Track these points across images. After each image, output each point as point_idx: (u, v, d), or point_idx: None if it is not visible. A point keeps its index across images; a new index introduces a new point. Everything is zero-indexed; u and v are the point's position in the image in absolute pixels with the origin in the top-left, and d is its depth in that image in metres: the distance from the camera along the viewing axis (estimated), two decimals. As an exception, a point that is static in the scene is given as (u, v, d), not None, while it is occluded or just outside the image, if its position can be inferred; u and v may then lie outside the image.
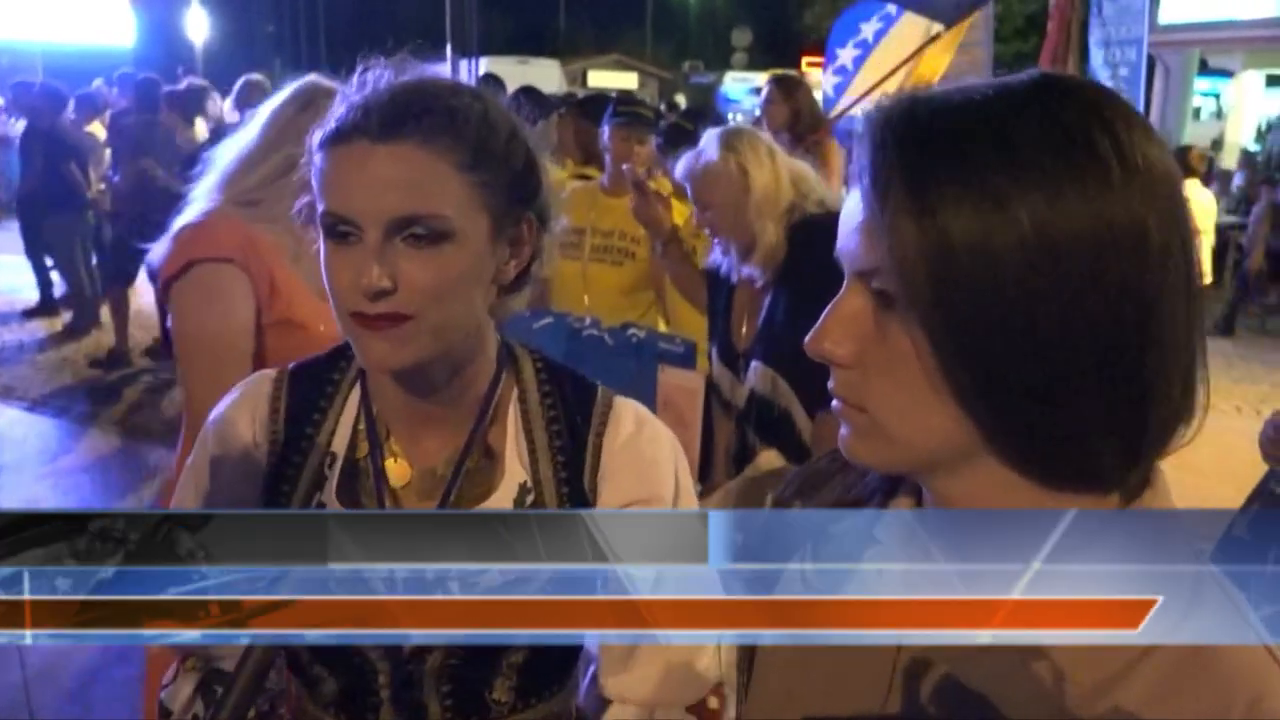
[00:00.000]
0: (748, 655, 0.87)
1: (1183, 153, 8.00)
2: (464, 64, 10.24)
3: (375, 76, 1.03)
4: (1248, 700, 0.61)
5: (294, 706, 1.21)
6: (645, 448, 1.15)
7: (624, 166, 3.21)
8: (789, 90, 4.39)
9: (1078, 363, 0.61)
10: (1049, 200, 0.60)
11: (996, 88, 0.65)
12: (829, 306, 0.69)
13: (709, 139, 2.51)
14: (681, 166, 2.54)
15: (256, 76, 6.17)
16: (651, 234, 3.05)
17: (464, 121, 1.00)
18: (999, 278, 0.61)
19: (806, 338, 0.69)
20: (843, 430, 0.71)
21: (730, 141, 2.46)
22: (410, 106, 0.99)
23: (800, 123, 4.26)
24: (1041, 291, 0.60)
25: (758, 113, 4.99)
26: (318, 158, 1.01)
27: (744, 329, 2.60)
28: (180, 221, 1.84)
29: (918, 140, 0.64)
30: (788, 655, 0.81)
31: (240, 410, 1.16)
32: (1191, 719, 0.61)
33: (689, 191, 2.53)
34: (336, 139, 0.99)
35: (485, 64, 14.14)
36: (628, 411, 1.17)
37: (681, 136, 3.38)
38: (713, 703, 1.19)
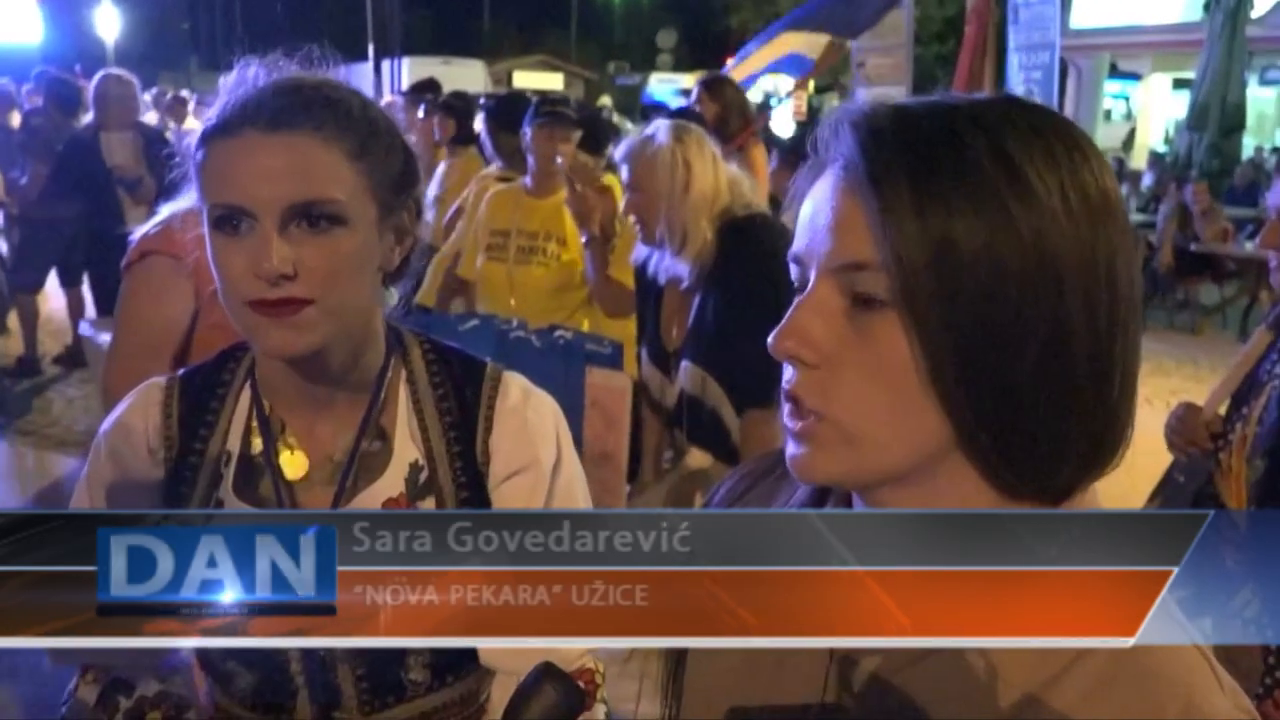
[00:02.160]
0: (677, 656, 0.86)
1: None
2: (387, 64, 10.14)
3: (253, 75, 1.05)
4: (1182, 701, 0.62)
5: (213, 705, 1.20)
6: (530, 415, 1.18)
7: (557, 160, 3.20)
8: (716, 91, 4.44)
9: (1064, 367, 0.62)
10: (1044, 214, 0.61)
11: (974, 102, 0.66)
12: (795, 305, 0.66)
13: (660, 126, 2.52)
14: (624, 148, 2.53)
15: (116, 71, 5.81)
16: (581, 228, 3.06)
17: (348, 113, 1.04)
18: (1000, 281, 0.61)
19: (770, 337, 0.66)
20: (796, 449, 0.68)
21: (680, 134, 2.48)
22: (297, 99, 1.01)
23: (729, 123, 4.31)
24: (1038, 298, 0.61)
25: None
26: (200, 154, 1.02)
27: (674, 329, 2.61)
28: (163, 212, 1.92)
29: (917, 137, 0.63)
30: (722, 654, 0.80)
31: (132, 419, 1.16)
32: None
33: (626, 173, 2.52)
34: (222, 133, 1.01)
35: (408, 64, 14.00)
36: (515, 384, 1.20)
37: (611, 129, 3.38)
38: (595, 674, 1.19)
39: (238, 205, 0.99)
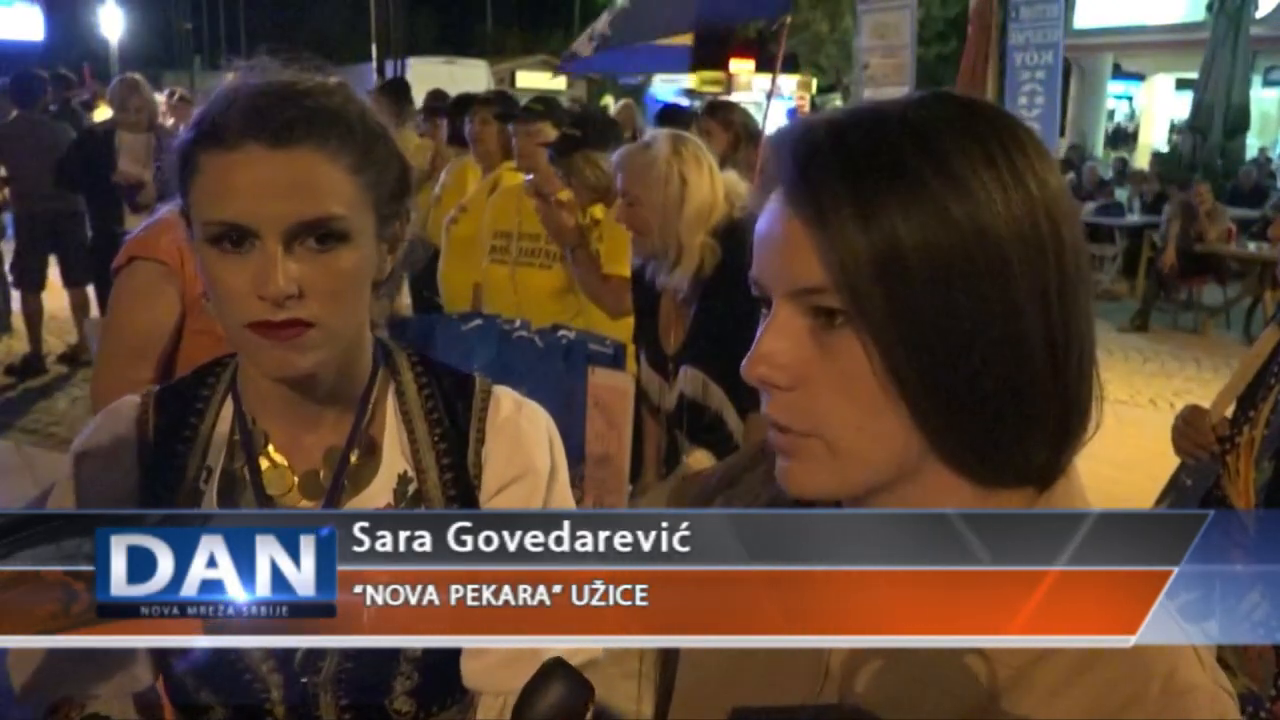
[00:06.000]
0: (667, 654, 0.87)
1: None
2: (389, 64, 10.14)
3: (243, 79, 1.01)
4: (1163, 674, 0.64)
5: None
6: (524, 425, 1.18)
7: (526, 179, 3.19)
8: (724, 118, 4.49)
9: (1021, 355, 0.64)
10: (981, 205, 0.62)
11: (905, 104, 0.67)
12: (760, 331, 0.68)
13: (657, 138, 2.49)
14: (619, 157, 2.50)
15: (134, 75, 5.87)
16: (560, 241, 3.06)
17: (350, 124, 1.01)
18: (946, 281, 0.62)
19: (742, 364, 0.68)
20: (783, 463, 0.69)
21: (677, 147, 2.44)
22: (299, 110, 0.98)
23: (741, 143, 4.37)
24: (985, 291, 0.62)
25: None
26: (191, 163, 0.99)
27: (671, 334, 2.60)
28: (154, 216, 1.97)
29: (852, 152, 0.64)
30: (714, 652, 0.81)
31: (106, 435, 1.13)
32: (1110, 695, 0.64)
33: (620, 182, 2.50)
34: (221, 144, 0.97)
35: (411, 65, 13.99)
36: (507, 396, 1.19)
37: (570, 145, 3.29)
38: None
39: (239, 223, 0.96)
